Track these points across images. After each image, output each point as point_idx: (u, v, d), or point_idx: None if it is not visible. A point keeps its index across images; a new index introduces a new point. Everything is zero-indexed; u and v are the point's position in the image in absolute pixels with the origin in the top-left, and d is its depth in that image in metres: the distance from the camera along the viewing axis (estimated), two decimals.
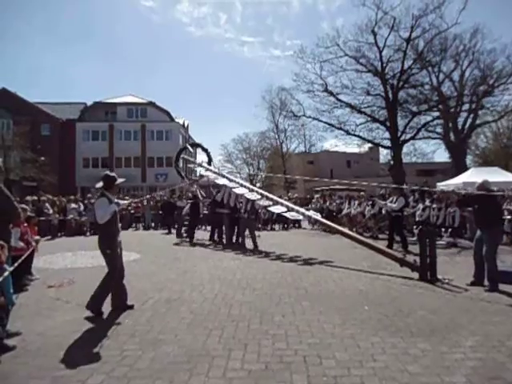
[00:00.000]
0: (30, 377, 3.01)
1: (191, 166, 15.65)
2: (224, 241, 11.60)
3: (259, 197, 10.56)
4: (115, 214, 4.64)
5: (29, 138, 30.24)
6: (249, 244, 10.69)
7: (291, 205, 10.73)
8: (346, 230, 9.45)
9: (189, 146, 15.69)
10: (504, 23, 47.69)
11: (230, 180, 12.26)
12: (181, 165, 15.74)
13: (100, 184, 4.71)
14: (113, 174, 4.79)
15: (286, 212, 10.09)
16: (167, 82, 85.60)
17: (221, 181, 12.02)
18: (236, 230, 11.40)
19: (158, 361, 3.29)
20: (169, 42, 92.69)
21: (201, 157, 14.69)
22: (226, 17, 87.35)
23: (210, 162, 14.55)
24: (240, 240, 11.00)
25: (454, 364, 3.16)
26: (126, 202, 6.39)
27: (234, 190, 11.10)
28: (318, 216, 10.48)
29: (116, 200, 4.78)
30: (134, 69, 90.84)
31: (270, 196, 10.95)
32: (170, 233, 15.32)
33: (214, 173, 12.97)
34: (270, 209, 10.37)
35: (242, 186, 11.60)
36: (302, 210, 10.64)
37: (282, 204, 10.41)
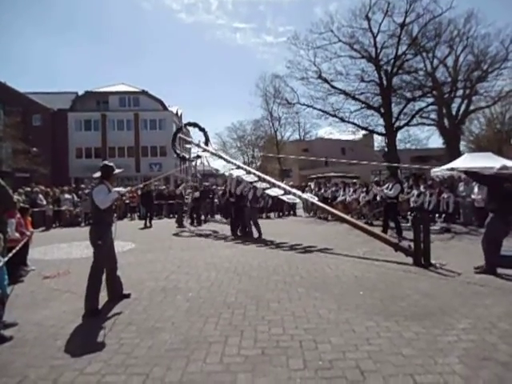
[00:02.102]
0: (27, 366, 3.02)
1: (188, 145, 15.20)
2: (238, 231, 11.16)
3: (256, 179, 10.46)
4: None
5: (20, 128, 29.78)
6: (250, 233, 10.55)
7: (288, 187, 10.63)
8: (341, 214, 9.49)
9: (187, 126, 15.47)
10: (498, 7, 47.46)
11: (228, 161, 12.12)
12: (178, 147, 15.52)
13: (98, 174, 4.69)
14: (111, 164, 4.77)
15: (282, 195, 10.01)
16: (159, 70, 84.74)
17: (217, 163, 11.91)
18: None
19: (155, 348, 3.31)
20: (160, 29, 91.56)
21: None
22: (217, 3, 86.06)
23: (207, 141, 14.29)
24: (247, 229, 10.76)
25: (447, 346, 3.22)
26: (124, 189, 6.38)
27: (231, 172, 11.01)
28: (314, 199, 10.45)
29: (115, 189, 4.73)
30: (125, 57, 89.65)
31: (267, 178, 10.84)
32: (146, 226, 14.01)
33: (211, 153, 12.77)
34: (267, 191, 10.22)
35: (239, 167, 11.50)
36: (299, 192, 10.56)
37: (278, 187, 10.33)
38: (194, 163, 15.11)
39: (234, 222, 11.26)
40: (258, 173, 11.37)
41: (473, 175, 6.58)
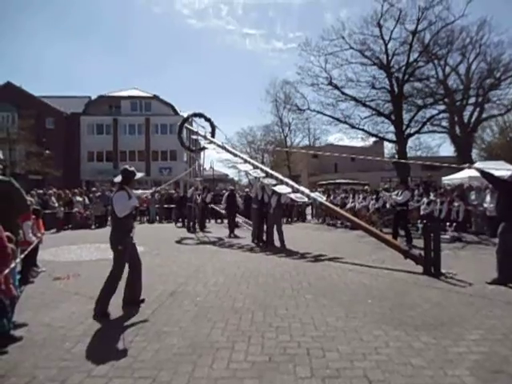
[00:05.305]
0: (36, 367, 3.05)
1: (195, 137, 14.85)
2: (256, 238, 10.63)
3: (263, 175, 10.25)
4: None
5: (34, 131, 30.36)
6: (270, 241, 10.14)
7: (296, 185, 10.19)
8: (350, 216, 9.39)
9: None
10: None
11: (235, 155, 11.98)
12: (185, 137, 15.40)
13: (119, 178, 4.60)
14: (132, 169, 4.65)
15: (290, 193, 9.65)
16: (170, 75, 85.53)
17: (224, 155, 11.84)
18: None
19: (162, 352, 3.32)
20: (170, 34, 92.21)
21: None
22: (227, 8, 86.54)
23: (213, 132, 14.10)
24: (269, 237, 10.15)
25: (457, 357, 3.17)
26: (149, 191, 6.46)
27: (238, 165, 10.88)
28: (322, 199, 10.15)
29: (137, 191, 4.71)
30: (137, 62, 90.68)
31: (275, 174, 10.49)
32: (184, 226, 15.10)
33: (218, 145, 12.58)
34: (274, 188, 9.74)
35: (246, 161, 11.38)
36: (307, 191, 10.09)
37: (286, 184, 9.90)
38: (201, 157, 15.03)
39: (258, 230, 10.57)
40: (265, 168, 11.15)
41: (487, 176, 6.35)
